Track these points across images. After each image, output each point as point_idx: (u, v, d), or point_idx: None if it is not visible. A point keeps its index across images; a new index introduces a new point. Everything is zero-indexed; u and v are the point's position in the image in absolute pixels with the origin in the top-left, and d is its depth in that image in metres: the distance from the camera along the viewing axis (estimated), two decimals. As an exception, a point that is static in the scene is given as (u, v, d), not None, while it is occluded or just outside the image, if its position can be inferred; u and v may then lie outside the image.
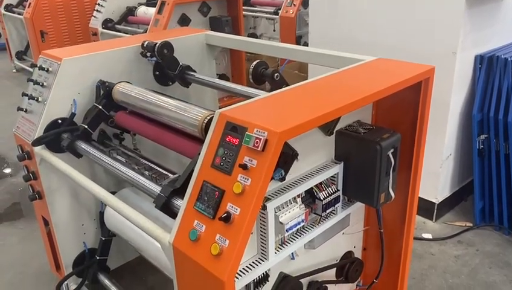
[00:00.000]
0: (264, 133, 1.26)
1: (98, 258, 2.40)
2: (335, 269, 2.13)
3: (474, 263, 2.77)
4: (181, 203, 1.52)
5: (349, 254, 2.21)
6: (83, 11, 6.73)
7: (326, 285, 2.05)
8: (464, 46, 2.75)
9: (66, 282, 2.38)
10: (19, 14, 6.71)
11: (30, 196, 2.29)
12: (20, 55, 7.37)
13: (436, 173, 3.02)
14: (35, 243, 3.09)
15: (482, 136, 2.94)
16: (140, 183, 1.72)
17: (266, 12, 6.29)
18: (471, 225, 3.10)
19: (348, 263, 2.14)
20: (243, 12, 5.35)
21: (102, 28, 5.43)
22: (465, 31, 2.69)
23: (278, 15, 6.02)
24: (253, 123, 1.30)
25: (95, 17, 5.56)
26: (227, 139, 1.35)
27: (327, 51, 2.07)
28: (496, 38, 3.02)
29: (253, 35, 6.88)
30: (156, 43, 2.24)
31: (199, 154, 1.53)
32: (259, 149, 1.25)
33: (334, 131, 1.84)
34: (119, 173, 1.84)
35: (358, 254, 2.28)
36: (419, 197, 3.11)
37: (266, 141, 1.25)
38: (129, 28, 5.30)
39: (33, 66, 2.25)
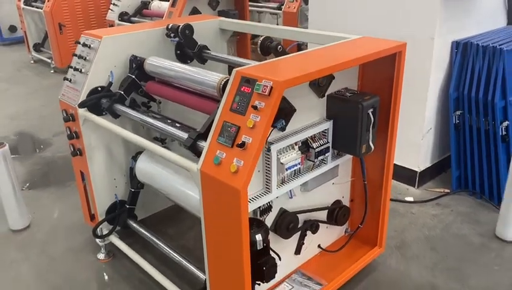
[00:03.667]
0: (269, 82, 1.71)
1: (127, 207, 2.85)
2: (326, 213, 2.57)
3: (448, 220, 3.21)
4: (204, 144, 1.97)
5: (338, 202, 2.65)
6: (98, 5, 7.19)
7: (319, 224, 2.49)
8: (441, 32, 3.19)
9: (100, 227, 2.82)
10: (38, 8, 7.16)
11: (72, 152, 2.73)
12: (38, 47, 7.79)
13: (418, 144, 3.46)
14: (66, 204, 3.55)
15: (458, 112, 3.37)
16: (172, 132, 2.17)
17: (270, 8, 6.73)
18: (448, 191, 3.54)
19: (337, 208, 2.58)
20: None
21: (119, 20, 5.87)
22: (441, 19, 3.13)
23: (281, 10, 6.46)
24: (261, 76, 1.75)
25: (111, 10, 6.00)
26: (242, 89, 1.79)
27: (324, 32, 2.52)
28: (471, 28, 3.46)
29: (257, 29, 7.32)
30: (179, 26, 2.69)
31: (218, 108, 1.98)
32: (266, 94, 1.70)
33: (326, 95, 2.28)
34: (155, 126, 2.28)
35: (346, 203, 2.71)
36: (403, 167, 3.58)
37: (271, 88, 1.70)
38: (143, 21, 5.73)
39: (77, 42, 2.68)
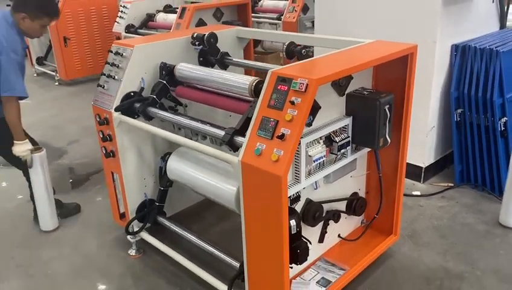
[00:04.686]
0: (305, 80, 1.92)
1: (157, 204, 3.03)
2: (345, 204, 2.78)
3: (454, 210, 3.44)
4: (242, 139, 2.16)
5: (355, 194, 2.86)
6: (101, 17, 7.38)
7: (340, 213, 2.70)
8: (442, 37, 3.45)
9: (131, 224, 2.99)
10: (42, 22, 7.32)
11: (105, 154, 2.90)
12: (41, 61, 7.94)
13: (423, 141, 3.69)
14: (90, 207, 3.71)
15: (459, 110, 3.62)
16: (208, 130, 2.37)
17: (270, 18, 6.97)
18: (452, 184, 3.77)
19: (355, 199, 2.79)
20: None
21: (125, 32, 6.06)
22: (441, 25, 3.39)
23: (280, 20, 6.71)
24: (297, 75, 1.96)
25: (118, 22, 6.17)
26: (278, 88, 2.00)
27: (339, 36, 2.75)
28: (469, 32, 3.72)
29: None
30: (204, 34, 2.90)
31: (252, 106, 2.18)
32: (303, 90, 1.91)
33: (345, 93, 2.50)
34: (191, 126, 2.48)
35: (362, 195, 2.92)
36: (409, 163, 3.80)
37: (307, 85, 1.91)
38: (150, 32, 5.92)
39: (109, 51, 2.87)
